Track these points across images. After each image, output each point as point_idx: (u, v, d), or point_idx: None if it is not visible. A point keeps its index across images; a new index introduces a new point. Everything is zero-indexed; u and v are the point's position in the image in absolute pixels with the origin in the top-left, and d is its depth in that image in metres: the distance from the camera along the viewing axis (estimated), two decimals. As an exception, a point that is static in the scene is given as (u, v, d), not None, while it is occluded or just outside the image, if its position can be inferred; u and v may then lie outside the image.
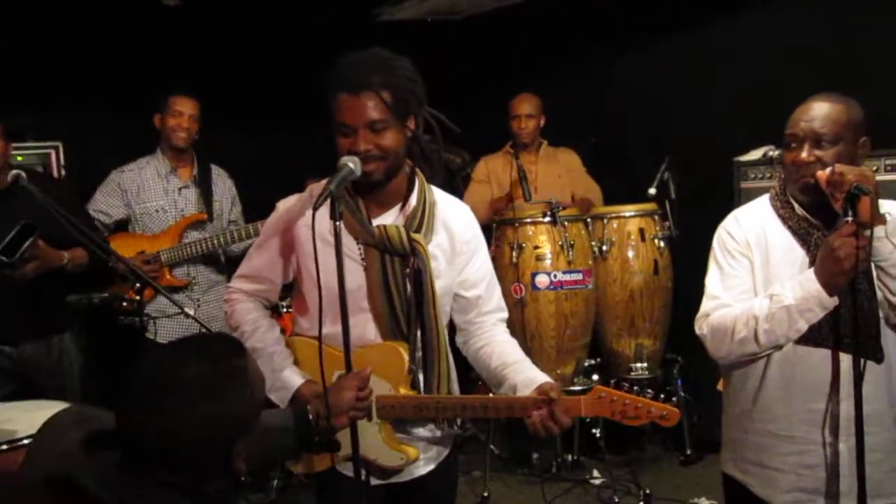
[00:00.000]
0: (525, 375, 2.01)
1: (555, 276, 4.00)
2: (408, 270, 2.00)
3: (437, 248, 2.03)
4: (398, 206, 2.03)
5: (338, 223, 1.76)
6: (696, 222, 3.04)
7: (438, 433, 2.12)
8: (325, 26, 4.79)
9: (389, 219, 2.02)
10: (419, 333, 2.02)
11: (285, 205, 2.12)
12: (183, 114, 3.85)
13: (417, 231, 1.98)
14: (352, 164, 1.83)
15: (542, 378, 1.99)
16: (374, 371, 1.93)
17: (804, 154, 2.02)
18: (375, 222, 2.00)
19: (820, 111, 2.03)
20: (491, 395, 2.14)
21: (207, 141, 4.04)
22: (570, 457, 4.30)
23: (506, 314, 2.21)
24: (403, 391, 2.01)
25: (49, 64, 4.45)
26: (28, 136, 4.36)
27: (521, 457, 4.41)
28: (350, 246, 1.98)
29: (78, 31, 4.54)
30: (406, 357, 2.00)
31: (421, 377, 2.04)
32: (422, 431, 2.10)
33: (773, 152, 3.78)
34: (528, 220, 4.09)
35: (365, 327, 2.01)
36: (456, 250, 2.07)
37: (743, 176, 3.88)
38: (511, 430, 4.53)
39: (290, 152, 4.87)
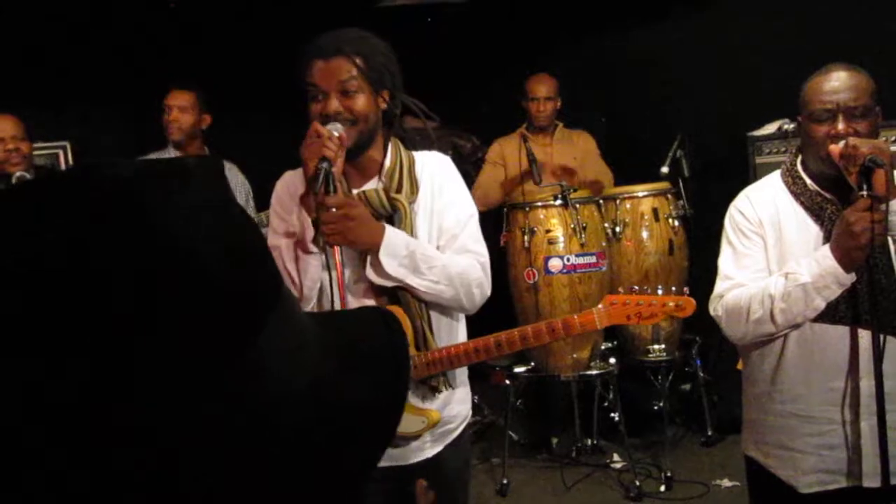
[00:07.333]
0: None
1: (568, 259, 3.93)
2: None
3: (419, 203, 2.02)
4: (377, 175, 2.05)
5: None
6: (712, 200, 2.98)
7: (446, 411, 2.06)
8: (326, 15, 4.73)
9: (371, 186, 2.02)
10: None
11: (284, 188, 2.09)
12: (172, 108, 3.87)
13: (398, 192, 1.98)
14: (336, 131, 1.86)
15: None
16: None
17: (841, 126, 1.94)
18: (357, 191, 2.00)
19: (848, 81, 1.96)
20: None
21: (212, 134, 4.02)
22: (589, 441, 4.27)
23: (481, 258, 2.07)
24: (412, 352, 2.00)
25: (55, 64, 4.45)
26: (35, 137, 4.36)
27: (540, 443, 4.38)
28: None
29: (82, 31, 4.53)
30: (408, 321, 1.98)
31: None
32: (428, 406, 2.04)
33: (788, 126, 3.69)
34: (539, 203, 4.00)
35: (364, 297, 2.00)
36: (434, 198, 2.05)
37: (758, 151, 3.81)
38: (530, 415, 4.51)
39: (295, 141, 4.83)
